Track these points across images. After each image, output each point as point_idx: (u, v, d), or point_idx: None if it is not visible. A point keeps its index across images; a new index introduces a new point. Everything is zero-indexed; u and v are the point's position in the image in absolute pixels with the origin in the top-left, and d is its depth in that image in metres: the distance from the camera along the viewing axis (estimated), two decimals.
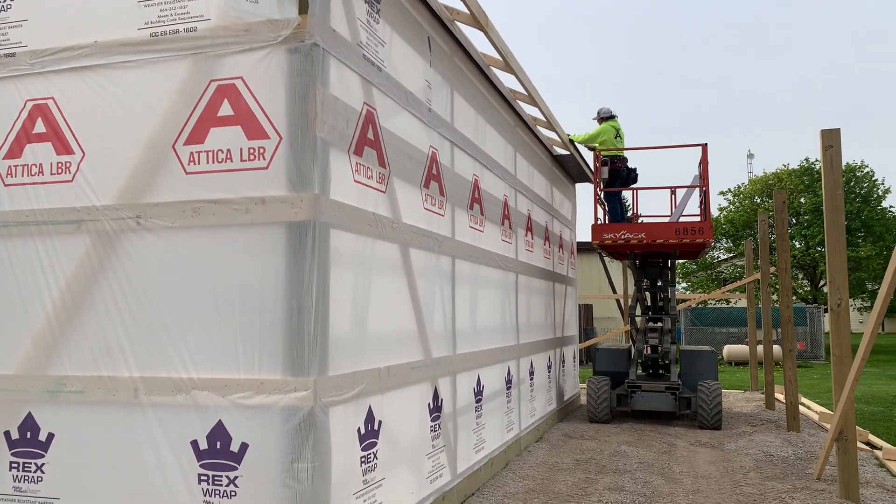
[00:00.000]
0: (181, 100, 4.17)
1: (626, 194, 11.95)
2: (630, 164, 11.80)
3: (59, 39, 4.44)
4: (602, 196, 11.60)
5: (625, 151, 11.73)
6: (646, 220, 12.24)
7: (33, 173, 4.45)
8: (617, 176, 11.62)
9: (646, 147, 11.56)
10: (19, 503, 4.27)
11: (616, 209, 11.74)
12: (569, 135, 11.41)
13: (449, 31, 6.34)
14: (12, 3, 4.59)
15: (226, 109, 4.08)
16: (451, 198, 6.33)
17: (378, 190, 4.80)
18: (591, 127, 12.03)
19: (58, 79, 4.44)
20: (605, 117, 11.90)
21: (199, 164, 4.11)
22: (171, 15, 4.22)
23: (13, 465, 4.31)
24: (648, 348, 11.65)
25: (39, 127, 4.45)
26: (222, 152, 4.07)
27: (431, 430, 5.66)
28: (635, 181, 11.85)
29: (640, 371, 11.82)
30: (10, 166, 4.50)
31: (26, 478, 4.27)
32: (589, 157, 12.07)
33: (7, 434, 4.35)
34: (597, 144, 11.58)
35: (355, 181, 4.48)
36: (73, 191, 4.35)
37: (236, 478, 3.91)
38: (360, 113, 4.55)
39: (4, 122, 4.53)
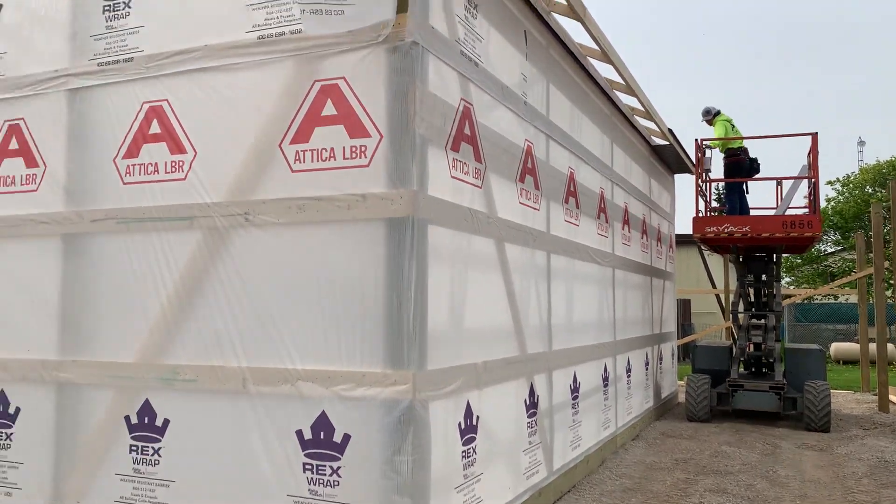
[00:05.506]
0: (286, 100, 4.30)
1: (749, 187, 11.56)
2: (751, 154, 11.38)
3: (173, 43, 4.65)
4: (723, 189, 11.27)
5: (743, 142, 11.29)
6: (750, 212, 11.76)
7: (149, 172, 4.69)
8: (740, 168, 11.25)
9: (752, 136, 11.12)
10: (139, 484, 4.53)
11: (735, 203, 11.33)
12: (706, 145, 11.10)
13: (545, 23, 6.26)
14: (130, 9, 4.84)
15: (329, 109, 4.18)
16: (546, 192, 6.27)
17: (474, 185, 4.81)
18: (709, 131, 11.70)
19: (171, 81, 4.66)
20: (715, 113, 11.60)
21: (304, 162, 4.23)
22: (277, 17, 4.34)
23: (133, 447, 4.57)
24: (751, 346, 11.21)
25: (155, 128, 4.69)
26: (326, 151, 4.17)
27: (528, 427, 5.64)
28: (758, 171, 11.41)
29: (741, 369, 11.40)
30: (128, 166, 4.76)
31: (145, 460, 4.53)
32: (689, 146, 11.71)
33: (127, 419, 4.62)
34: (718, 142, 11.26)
35: (452, 177, 4.50)
36: (185, 188, 4.56)
37: (339, 468, 4.01)
38: (457, 109, 4.57)
39: (123, 124, 4.79)
